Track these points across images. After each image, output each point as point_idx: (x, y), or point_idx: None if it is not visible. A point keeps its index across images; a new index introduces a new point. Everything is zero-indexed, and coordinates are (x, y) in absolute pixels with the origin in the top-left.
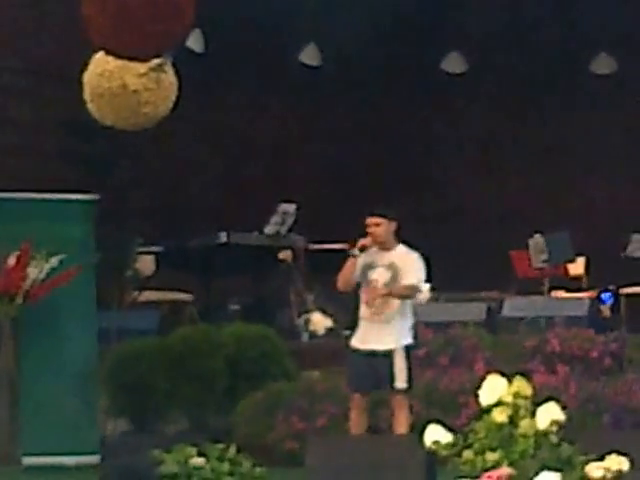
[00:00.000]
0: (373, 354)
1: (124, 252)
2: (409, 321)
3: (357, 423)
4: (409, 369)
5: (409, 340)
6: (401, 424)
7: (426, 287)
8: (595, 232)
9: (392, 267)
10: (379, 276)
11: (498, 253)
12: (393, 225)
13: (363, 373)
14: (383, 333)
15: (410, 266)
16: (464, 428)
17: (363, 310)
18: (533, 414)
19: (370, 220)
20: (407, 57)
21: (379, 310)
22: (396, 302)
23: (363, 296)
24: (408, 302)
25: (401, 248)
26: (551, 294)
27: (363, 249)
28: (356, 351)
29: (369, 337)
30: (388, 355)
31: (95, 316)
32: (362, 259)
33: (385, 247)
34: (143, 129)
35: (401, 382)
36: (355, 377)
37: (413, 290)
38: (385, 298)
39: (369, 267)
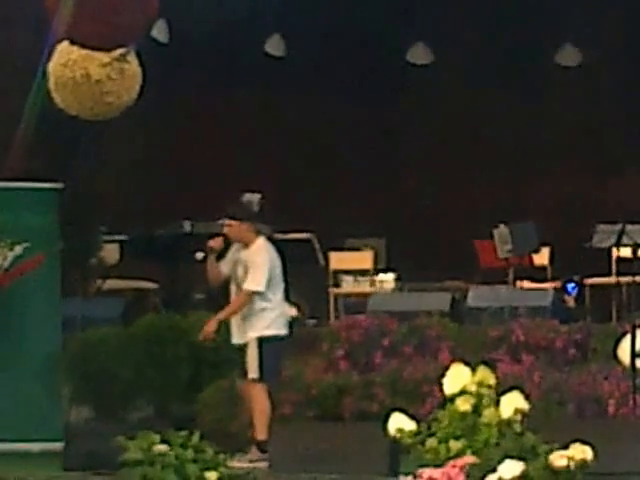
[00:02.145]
0: (238, 347)
1: (88, 240)
2: (270, 314)
3: (248, 413)
4: (261, 360)
5: (266, 332)
6: (254, 414)
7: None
8: (560, 222)
9: (243, 263)
10: (240, 271)
11: (463, 243)
12: (245, 226)
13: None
14: (242, 327)
15: (252, 267)
16: (428, 417)
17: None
18: (497, 403)
19: (224, 222)
20: (372, 47)
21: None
22: (256, 297)
23: (232, 291)
24: (267, 296)
25: (256, 245)
26: (516, 284)
27: (212, 250)
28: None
29: (235, 331)
30: (246, 347)
31: (59, 304)
32: (231, 255)
33: (245, 244)
34: (107, 118)
35: (252, 373)
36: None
37: (244, 299)
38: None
39: (237, 264)
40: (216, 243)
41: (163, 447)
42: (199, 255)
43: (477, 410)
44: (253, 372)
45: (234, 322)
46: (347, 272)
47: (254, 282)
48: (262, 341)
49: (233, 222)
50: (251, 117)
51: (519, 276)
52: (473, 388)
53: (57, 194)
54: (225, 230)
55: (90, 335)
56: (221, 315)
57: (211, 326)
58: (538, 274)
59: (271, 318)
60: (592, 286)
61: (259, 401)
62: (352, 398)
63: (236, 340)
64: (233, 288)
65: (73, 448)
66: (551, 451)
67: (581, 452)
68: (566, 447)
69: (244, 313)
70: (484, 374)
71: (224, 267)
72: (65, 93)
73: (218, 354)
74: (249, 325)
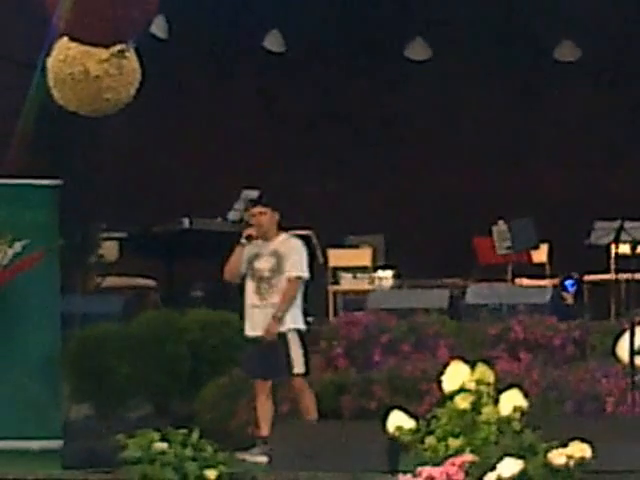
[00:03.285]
0: (254, 339)
1: (88, 238)
2: (299, 306)
3: (263, 410)
4: (305, 353)
5: (300, 325)
6: (308, 409)
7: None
8: (558, 219)
9: (275, 254)
10: (265, 264)
11: (461, 240)
12: (276, 215)
13: (258, 360)
14: (268, 319)
15: (292, 255)
16: (427, 414)
17: (251, 297)
18: (496, 401)
19: (255, 210)
20: (371, 44)
21: (267, 296)
22: (283, 289)
23: (249, 285)
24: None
25: (283, 236)
26: (514, 281)
27: (250, 238)
28: (248, 339)
29: (260, 323)
30: (280, 340)
31: (58, 301)
32: (247, 250)
33: (267, 237)
34: (106, 114)
35: (298, 367)
36: (251, 365)
37: (295, 286)
38: (272, 285)
39: (254, 257)
40: (254, 231)
41: (162, 445)
42: (244, 241)
43: (476, 408)
44: (299, 367)
45: (255, 313)
46: (346, 269)
47: (299, 269)
48: (301, 334)
49: (267, 210)
50: (250, 113)
51: (518, 273)
52: (472, 386)
53: (56, 191)
54: (257, 218)
55: (89, 332)
56: (279, 312)
57: (274, 327)
58: (537, 271)
59: (301, 312)
60: (591, 283)
61: (309, 394)
62: (351, 396)
63: (256, 332)
64: (252, 284)
65: (72, 446)
66: (550, 449)
67: (580, 450)
68: (565, 445)
69: (271, 303)
70: (483, 372)
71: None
72: (64, 89)
73: (217, 352)
74: (285, 317)
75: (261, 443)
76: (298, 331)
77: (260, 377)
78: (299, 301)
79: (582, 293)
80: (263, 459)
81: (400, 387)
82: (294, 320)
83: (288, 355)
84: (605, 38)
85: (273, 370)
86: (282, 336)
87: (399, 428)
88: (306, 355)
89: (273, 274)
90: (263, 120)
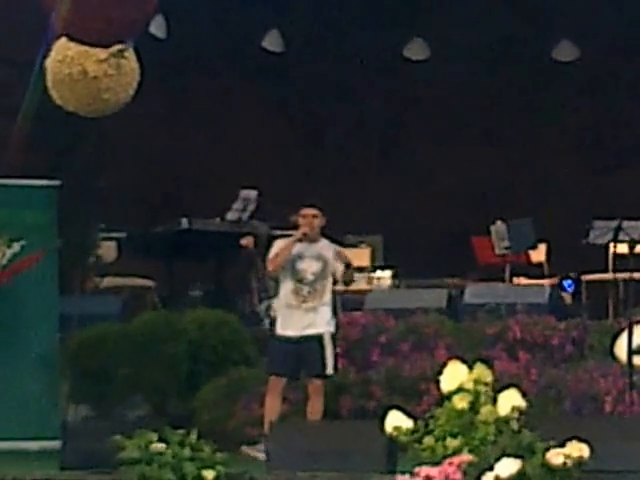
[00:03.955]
0: (299, 340)
1: (86, 238)
2: (331, 310)
3: (272, 407)
4: (335, 356)
5: (333, 328)
6: (317, 411)
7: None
8: (556, 219)
9: (321, 258)
10: (308, 266)
11: (460, 240)
12: (324, 220)
13: (286, 359)
14: (309, 320)
15: (341, 260)
16: (425, 414)
17: (288, 297)
18: (494, 401)
19: (309, 211)
20: (370, 43)
21: (308, 299)
22: (326, 293)
23: (287, 285)
24: (331, 292)
25: (324, 241)
26: (512, 281)
27: (305, 236)
28: (281, 338)
29: (295, 324)
30: (316, 341)
31: (57, 301)
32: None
33: (312, 240)
34: (105, 115)
35: (330, 368)
36: (277, 362)
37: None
38: (315, 288)
39: (297, 258)
40: (309, 230)
41: (160, 446)
42: (302, 238)
43: (474, 408)
44: (330, 368)
45: (290, 313)
46: None
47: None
48: (334, 336)
49: (319, 212)
50: (250, 113)
51: (516, 273)
52: (470, 385)
53: (55, 191)
54: (310, 220)
55: (88, 333)
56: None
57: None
58: (535, 271)
59: (332, 314)
60: (589, 283)
61: (321, 397)
62: (349, 396)
63: (294, 332)
64: (290, 284)
65: (71, 447)
66: (548, 449)
67: (578, 449)
68: (563, 444)
69: (309, 306)
70: (481, 371)
71: None
72: (62, 90)
73: (216, 352)
74: (320, 318)
75: (265, 440)
76: (331, 333)
77: (280, 375)
78: (331, 305)
79: (580, 293)
80: (263, 457)
81: (398, 387)
82: (329, 322)
83: (323, 356)
84: (605, 38)
85: (297, 369)
86: (319, 337)
87: (397, 428)
88: (336, 357)
89: (317, 278)
90: (262, 120)
